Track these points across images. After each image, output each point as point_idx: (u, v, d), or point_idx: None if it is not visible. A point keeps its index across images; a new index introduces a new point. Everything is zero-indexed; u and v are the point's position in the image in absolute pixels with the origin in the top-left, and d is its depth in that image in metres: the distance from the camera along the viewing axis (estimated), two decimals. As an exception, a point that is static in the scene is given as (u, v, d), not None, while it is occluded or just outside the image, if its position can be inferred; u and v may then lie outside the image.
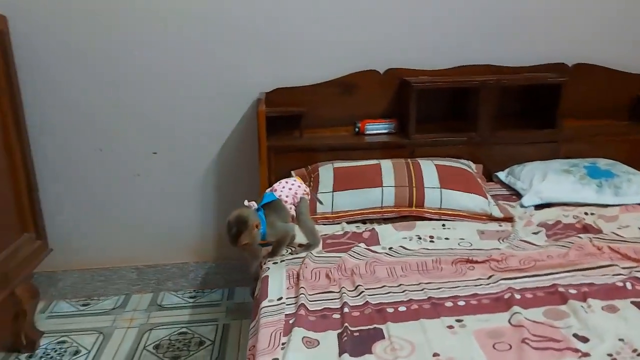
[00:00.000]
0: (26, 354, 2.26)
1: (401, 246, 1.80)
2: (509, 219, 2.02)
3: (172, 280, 2.76)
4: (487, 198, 2.08)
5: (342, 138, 2.48)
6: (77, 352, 2.27)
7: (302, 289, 1.52)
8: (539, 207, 2.10)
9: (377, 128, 2.50)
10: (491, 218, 2.02)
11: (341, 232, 1.94)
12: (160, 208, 2.65)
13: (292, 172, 2.36)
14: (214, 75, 2.48)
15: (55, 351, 2.28)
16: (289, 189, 1.80)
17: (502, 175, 2.41)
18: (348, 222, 2.03)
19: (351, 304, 1.46)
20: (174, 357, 2.22)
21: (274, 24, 2.44)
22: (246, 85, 2.47)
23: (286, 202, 1.78)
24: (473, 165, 2.38)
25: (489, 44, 2.51)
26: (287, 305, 1.47)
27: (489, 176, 2.48)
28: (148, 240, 2.69)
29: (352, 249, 1.77)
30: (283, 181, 1.86)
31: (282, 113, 2.44)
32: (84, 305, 2.65)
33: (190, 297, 2.69)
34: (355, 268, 1.65)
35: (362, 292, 1.51)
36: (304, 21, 2.45)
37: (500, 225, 1.99)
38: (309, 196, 1.87)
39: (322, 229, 1.98)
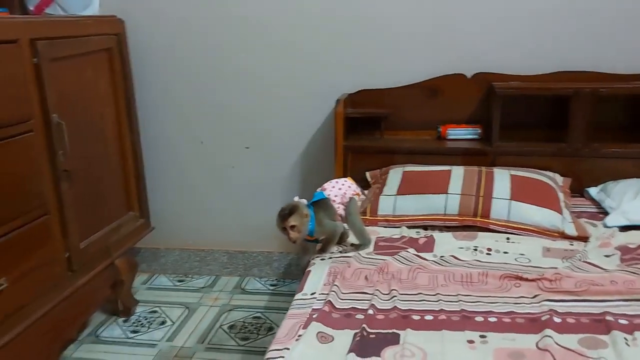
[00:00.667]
0: (122, 319, 2.55)
1: (453, 255, 1.76)
2: (584, 238, 1.86)
3: (257, 267, 2.93)
4: (561, 214, 1.94)
5: (422, 142, 2.45)
6: (163, 322, 2.51)
7: (334, 286, 1.55)
8: (625, 228, 1.91)
9: (459, 133, 2.43)
10: (563, 235, 1.88)
11: (398, 236, 1.93)
12: (250, 198, 2.83)
13: (367, 174, 2.39)
14: (302, 76, 2.59)
15: (146, 319, 2.55)
16: (339, 189, 1.85)
17: (593, 191, 2.22)
18: (409, 227, 2.01)
19: (379, 307, 1.47)
20: (243, 338, 2.38)
21: (362, 27, 2.49)
22: (333, 87, 2.54)
23: (334, 201, 1.82)
24: (559, 179, 2.22)
25: (589, 49, 2.33)
26: (317, 300, 1.52)
27: (581, 191, 2.30)
28: (239, 227, 2.88)
29: (399, 254, 1.76)
30: (333, 181, 1.90)
31: (364, 114, 2.48)
32: (179, 281, 2.91)
33: (272, 285, 2.84)
34: (396, 272, 1.65)
35: (394, 296, 1.51)
36: (391, 24, 2.46)
37: (571, 244, 1.85)
38: (360, 196, 1.89)
39: (381, 231, 1.99)
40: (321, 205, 1.80)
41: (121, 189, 2.53)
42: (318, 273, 1.67)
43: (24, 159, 1.86)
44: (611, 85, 2.22)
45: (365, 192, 1.95)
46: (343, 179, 1.92)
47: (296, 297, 1.54)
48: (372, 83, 2.51)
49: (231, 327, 2.46)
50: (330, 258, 1.79)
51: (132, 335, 2.42)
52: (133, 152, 2.59)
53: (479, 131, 2.41)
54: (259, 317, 2.53)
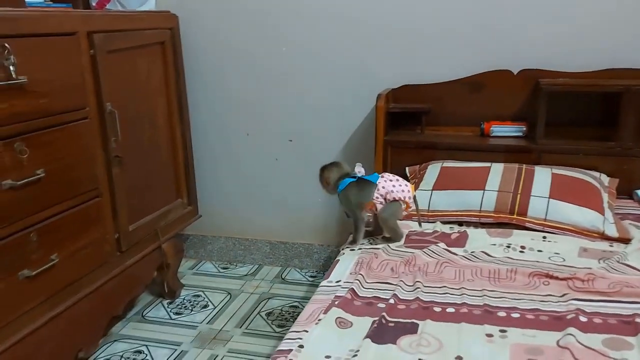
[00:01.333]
0: (168, 301, 2.66)
1: (484, 251, 1.74)
2: (625, 240, 1.79)
3: (298, 258, 2.98)
4: (603, 214, 1.87)
5: (464, 138, 2.42)
6: (205, 306, 2.61)
7: (359, 275, 1.58)
8: (673, 233, 1.82)
9: (503, 130, 2.38)
10: (603, 236, 1.82)
11: (431, 231, 1.93)
12: (292, 191, 2.88)
13: (407, 169, 2.38)
14: (345, 71, 2.61)
15: (190, 302, 2.65)
16: (391, 184, 1.84)
17: (642, 193, 2.13)
18: (443, 222, 2.00)
19: (401, 297, 1.48)
20: (280, 325, 2.43)
21: (407, 21, 2.48)
22: (375, 81, 2.54)
23: (378, 190, 1.83)
24: (606, 179, 2.14)
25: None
26: (341, 288, 1.54)
27: (630, 193, 2.20)
28: (281, 218, 2.94)
29: (429, 247, 1.76)
30: (395, 177, 1.88)
31: (405, 109, 2.48)
32: (224, 268, 3.01)
33: (311, 276, 2.88)
34: (423, 265, 1.65)
35: (418, 288, 1.52)
36: (436, 18, 2.45)
37: (610, 245, 1.78)
38: (407, 207, 1.86)
39: (414, 226, 1.99)
40: (363, 184, 1.82)
41: (171, 176, 2.65)
42: (346, 262, 1.70)
43: (79, 144, 1.98)
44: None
45: (413, 206, 1.89)
46: (405, 182, 1.87)
47: (322, 284, 1.57)
48: (415, 79, 2.51)
49: (269, 314, 2.52)
50: (360, 249, 1.81)
51: (175, 316, 2.53)
52: (183, 142, 2.69)
53: (524, 129, 2.36)
54: (296, 307, 2.58)
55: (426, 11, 2.45)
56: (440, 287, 1.53)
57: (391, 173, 2.05)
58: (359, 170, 1.87)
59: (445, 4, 2.42)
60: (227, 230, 3.04)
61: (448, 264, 1.65)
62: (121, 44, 2.22)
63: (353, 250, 1.81)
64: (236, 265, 3.02)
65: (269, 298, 2.67)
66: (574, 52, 2.31)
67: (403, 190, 1.86)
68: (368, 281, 1.57)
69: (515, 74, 2.36)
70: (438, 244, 1.78)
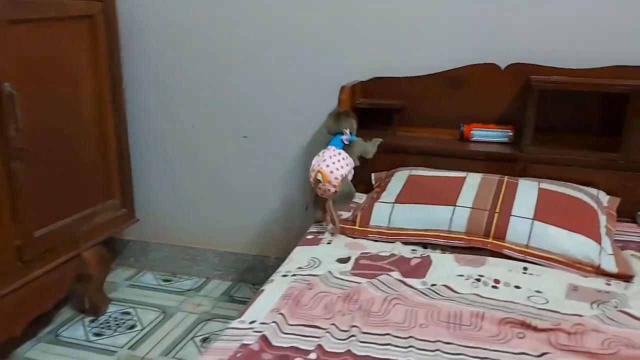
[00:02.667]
0: (90, 318, 2.31)
1: (447, 285, 1.39)
2: (626, 277, 1.44)
3: (251, 272, 2.63)
4: (599, 243, 1.52)
5: (440, 142, 2.08)
6: (132, 327, 2.25)
7: (279, 315, 1.22)
8: (684, 268, 1.47)
9: (486, 135, 2.04)
10: (598, 271, 1.47)
11: (387, 254, 1.58)
12: (246, 193, 2.54)
13: (372, 175, 2.04)
14: (310, 59, 2.27)
15: (115, 321, 2.30)
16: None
17: (648, 216, 1.78)
18: (404, 243, 1.65)
19: (327, 349, 1.12)
20: (214, 354, 2.07)
21: (381, 5, 2.14)
22: (344, 72, 2.20)
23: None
24: (604, 198, 1.80)
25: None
26: (253, 332, 1.19)
27: (632, 215, 1.85)
28: (233, 225, 2.60)
29: (379, 277, 1.41)
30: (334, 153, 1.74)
31: (374, 105, 2.14)
32: (165, 280, 2.66)
33: (262, 294, 2.52)
34: (367, 302, 1.29)
35: (353, 336, 1.16)
36: (413, 2, 2.10)
37: (608, 284, 1.43)
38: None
39: (369, 246, 1.64)
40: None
41: (99, 174, 2.29)
42: (271, 294, 1.34)
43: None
44: (681, 84, 1.77)
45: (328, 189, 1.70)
46: (336, 161, 1.73)
47: (231, 324, 1.22)
48: (388, 71, 2.16)
49: (204, 339, 2.17)
50: (294, 275, 1.45)
51: (94, 338, 2.18)
52: (116, 134, 2.34)
53: (510, 134, 2.02)
54: (238, 331, 2.22)
55: (402, -7, 2.10)
56: (382, 336, 1.17)
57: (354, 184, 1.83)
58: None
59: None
60: (171, 237, 2.69)
61: (399, 302, 1.30)
62: (30, 13, 1.88)
63: (285, 276, 1.45)
64: (180, 278, 2.67)
65: (210, 319, 2.32)
66: (572, 45, 1.97)
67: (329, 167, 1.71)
68: (290, 323, 1.21)
69: (502, 69, 2.02)
70: (391, 273, 1.42)
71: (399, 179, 1.83)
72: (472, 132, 2.04)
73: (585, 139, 1.95)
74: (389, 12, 2.13)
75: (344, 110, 1.89)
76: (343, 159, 1.74)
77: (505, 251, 1.54)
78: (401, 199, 1.72)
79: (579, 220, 1.58)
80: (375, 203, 1.74)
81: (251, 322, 1.22)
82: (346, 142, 1.79)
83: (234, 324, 1.22)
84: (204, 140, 2.50)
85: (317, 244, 1.64)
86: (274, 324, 1.19)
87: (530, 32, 2.00)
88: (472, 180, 1.74)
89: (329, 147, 1.77)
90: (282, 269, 1.49)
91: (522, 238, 1.54)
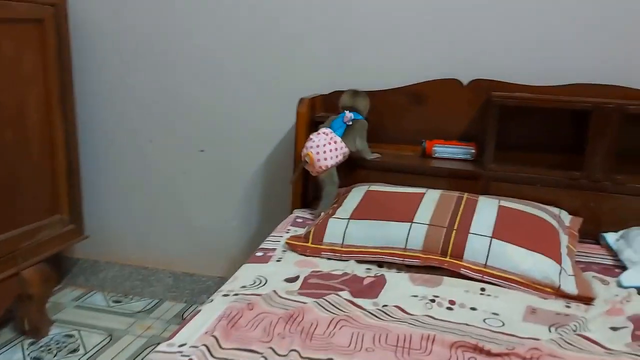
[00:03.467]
0: (30, 340, 2.16)
1: (399, 306, 1.30)
2: (586, 300, 1.37)
3: (207, 294, 2.50)
4: (560, 263, 1.45)
5: (403, 158, 2.01)
6: (75, 351, 2.11)
7: (212, 338, 1.11)
8: (646, 291, 1.41)
9: (447, 151, 1.99)
10: (558, 293, 1.40)
11: (340, 272, 1.48)
12: (203, 212, 2.44)
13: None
14: (271, 71, 2.21)
15: (57, 344, 2.15)
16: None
17: (611, 237, 1.72)
18: (359, 262, 1.56)
19: (261, 375, 1.02)
20: (159, 381, 1.94)
21: (342, 17, 2.09)
22: (305, 85, 2.14)
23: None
24: (567, 217, 1.74)
25: (616, 60, 1.87)
26: (182, 356, 1.08)
27: (595, 236, 1.80)
28: (189, 245, 2.49)
29: (327, 296, 1.31)
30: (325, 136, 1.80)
31: (335, 120, 2.05)
32: (116, 301, 2.51)
33: (217, 317, 2.40)
34: (312, 324, 1.19)
35: (291, 361, 1.06)
36: (376, 15, 2.06)
37: (567, 306, 1.36)
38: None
39: (322, 265, 1.55)
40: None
41: (45, 187, 2.17)
42: (207, 315, 1.24)
43: None
44: (644, 103, 1.74)
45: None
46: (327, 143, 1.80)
47: (159, 348, 1.11)
48: (350, 85, 2.09)
49: (150, 364, 2.02)
50: (236, 295, 1.35)
51: (30, 363, 2.02)
52: (65, 145, 2.23)
53: (472, 151, 1.96)
54: (188, 355, 2.09)
55: (364, 6, 2.05)
56: (323, 360, 1.07)
57: (313, 199, 1.86)
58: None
59: (386, 0, 2.03)
60: (123, 256, 2.56)
61: (346, 323, 1.20)
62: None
63: (227, 295, 1.35)
64: (132, 299, 2.53)
65: (159, 343, 2.17)
66: (535, 62, 1.95)
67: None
68: (224, 346, 1.11)
69: (464, 84, 1.97)
70: (340, 293, 1.33)
71: (356, 194, 1.75)
72: (434, 148, 1.98)
73: (549, 157, 1.91)
74: (350, 26, 2.08)
75: (362, 91, 1.89)
76: (335, 149, 1.78)
77: (463, 271, 1.46)
78: (357, 214, 1.64)
79: (539, 239, 1.51)
80: (330, 219, 1.65)
81: (181, 346, 1.12)
82: (348, 123, 1.80)
83: (162, 347, 1.11)
84: (159, 153, 2.40)
85: (267, 262, 1.55)
86: (204, 347, 1.08)
87: (493, 49, 1.97)
88: (431, 197, 1.67)
89: (326, 130, 1.81)
90: (225, 287, 1.39)
91: (480, 257, 1.47)
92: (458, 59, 2.00)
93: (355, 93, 1.89)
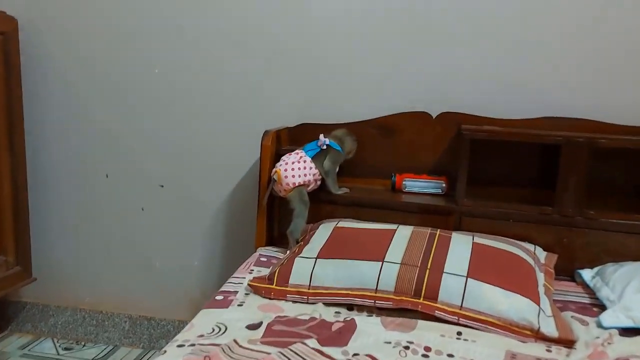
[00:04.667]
0: (-35, 395, 1.96)
1: (370, 355, 1.20)
2: (568, 342, 1.30)
3: (166, 339, 2.35)
4: (538, 304, 1.39)
5: (372, 192, 1.95)
6: (15, 406, 1.92)
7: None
8: (628, 332, 1.35)
9: (418, 185, 1.93)
10: (538, 335, 1.32)
11: (307, 317, 1.38)
12: (163, 251, 2.31)
13: (291, 241, 1.84)
14: (236, 102, 2.13)
15: (-4, 399, 1.96)
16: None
17: (587, 274, 1.67)
18: (327, 304, 1.46)
19: None
20: None
21: (311, 49, 2.04)
22: (271, 118, 2.08)
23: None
24: (542, 254, 1.69)
25: (587, 93, 1.86)
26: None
27: (570, 273, 1.74)
28: (147, 286, 2.35)
29: (293, 346, 1.20)
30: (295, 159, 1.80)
31: (301, 153, 1.97)
32: (67, 349, 2.34)
33: (176, 364, 2.24)
34: (275, 377, 1.08)
35: (252, 421, 0.94)
36: (345, 48, 2.02)
37: (548, 350, 1.29)
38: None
39: (287, 309, 1.45)
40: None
41: (-12, 226, 2.01)
42: (159, 368, 1.11)
43: None
44: (614, 137, 1.72)
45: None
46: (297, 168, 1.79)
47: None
48: (318, 117, 2.03)
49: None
50: (192, 345, 1.23)
51: (-35, 422, 1.83)
52: (12, 180, 2.10)
53: (443, 185, 1.91)
54: (143, 409, 1.94)
55: (333, 38, 2.02)
56: (287, 420, 0.96)
57: (279, 236, 1.85)
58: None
59: (356, 32, 1.99)
60: (75, 300, 2.41)
61: (313, 376, 1.10)
62: None
63: (182, 346, 1.22)
64: (84, 345, 2.36)
65: (111, 395, 2.02)
66: (505, 96, 1.92)
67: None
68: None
69: (434, 117, 1.93)
70: (307, 341, 1.22)
71: (323, 231, 1.67)
72: (404, 182, 1.93)
73: (520, 192, 1.87)
74: (318, 57, 2.04)
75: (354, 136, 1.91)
76: (305, 168, 1.77)
77: (438, 313, 1.38)
78: (324, 253, 1.55)
79: (515, 278, 1.45)
80: (296, 258, 1.56)
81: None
82: (322, 147, 1.81)
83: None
84: (116, 189, 2.28)
85: (227, 306, 1.43)
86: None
87: (461, 81, 1.95)
88: (403, 233, 1.59)
89: (298, 150, 1.82)
90: (180, 337, 1.26)
91: (456, 298, 1.39)
92: (427, 92, 1.96)
93: (348, 132, 1.90)
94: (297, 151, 1.82)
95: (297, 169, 1.75)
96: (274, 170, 1.78)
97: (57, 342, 2.39)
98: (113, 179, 2.28)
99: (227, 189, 2.20)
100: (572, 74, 1.87)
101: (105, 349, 2.35)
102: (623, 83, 1.83)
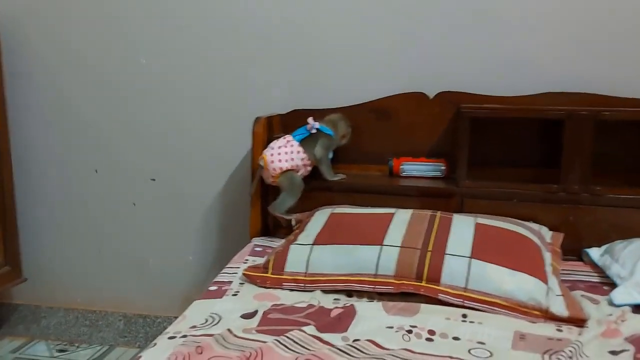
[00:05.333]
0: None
1: (372, 340, 1.14)
2: (579, 322, 1.24)
3: (162, 337, 2.29)
4: (546, 283, 1.33)
5: (369, 178, 1.89)
6: (9, 410, 1.86)
7: (150, 388, 0.93)
8: (639, 309, 1.29)
9: (417, 169, 1.87)
10: (547, 315, 1.27)
11: (305, 305, 1.32)
12: (156, 246, 2.25)
13: (292, 218, 1.79)
14: (227, 91, 2.07)
15: (-13, 403, 1.89)
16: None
17: (594, 253, 1.61)
18: (325, 292, 1.40)
19: None
20: None
21: (297, 32, 1.98)
22: (261, 106, 2.01)
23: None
24: (547, 233, 1.63)
25: (589, 67, 1.80)
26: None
27: (578, 252, 1.69)
28: (141, 283, 2.29)
29: (290, 333, 1.15)
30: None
31: (295, 140, 1.92)
32: (61, 350, 2.28)
33: (174, 362, 2.18)
34: (272, 365, 1.02)
35: (247, 411, 0.88)
36: (336, 27, 1.95)
37: (559, 330, 1.23)
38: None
39: (284, 297, 1.39)
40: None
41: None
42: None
43: None
44: (618, 109, 1.66)
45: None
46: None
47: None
48: (309, 102, 1.96)
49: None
50: (185, 337, 1.17)
51: None
52: (-1, 179, 2.02)
53: (443, 167, 1.85)
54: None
55: (325, 19, 1.96)
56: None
57: (274, 227, 1.82)
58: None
59: (348, 11, 1.93)
60: (68, 300, 2.35)
61: (312, 363, 1.04)
62: None
63: (173, 338, 1.16)
64: (78, 347, 2.30)
65: (107, 396, 1.96)
66: (503, 73, 1.86)
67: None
68: (165, 398, 0.92)
69: (431, 98, 1.87)
70: (304, 328, 1.17)
71: (319, 218, 1.61)
72: (401, 166, 1.87)
73: (523, 171, 1.80)
74: (309, 40, 1.98)
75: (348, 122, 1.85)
76: (292, 152, 1.72)
77: (441, 296, 1.32)
78: (321, 239, 1.49)
79: (521, 257, 1.39)
80: (291, 246, 1.50)
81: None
82: (311, 131, 1.75)
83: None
84: (105, 184, 2.22)
85: (221, 297, 1.38)
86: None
87: (458, 59, 1.89)
88: (401, 217, 1.54)
89: (286, 135, 1.77)
90: (171, 329, 1.20)
91: (460, 280, 1.33)
92: (423, 71, 1.90)
93: (342, 117, 1.85)
94: (284, 136, 1.77)
95: (284, 154, 1.71)
96: (260, 156, 1.74)
97: (50, 344, 2.33)
98: (102, 174, 2.22)
99: (220, 180, 2.15)
100: (572, 47, 1.81)
101: (100, 349, 2.29)
102: (625, 55, 1.77)
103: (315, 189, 1.83)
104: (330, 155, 1.83)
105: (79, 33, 2.12)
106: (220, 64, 2.05)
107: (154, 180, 2.19)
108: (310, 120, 1.77)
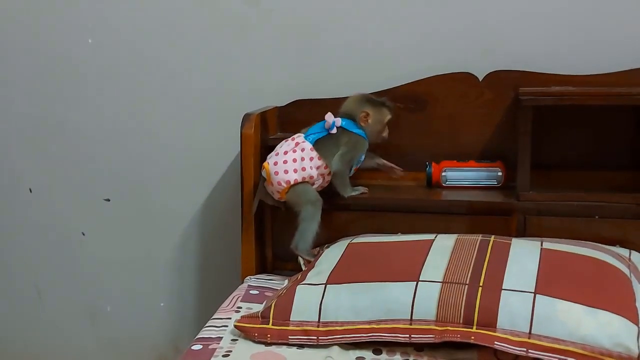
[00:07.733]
0: None
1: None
2: (680, 378, 1.36)
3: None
4: (637, 324, 1.44)
5: (399, 191, 2.02)
6: None
7: None
8: None
9: (463, 177, 2.02)
10: (638, 367, 1.38)
11: (317, 366, 1.45)
12: (114, 288, 2.42)
13: (300, 259, 1.90)
14: (204, 80, 2.24)
15: None
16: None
17: None
18: (344, 346, 1.53)
19: None
20: None
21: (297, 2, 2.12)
22: (252, 99, 2.14)
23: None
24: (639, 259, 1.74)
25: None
26: None
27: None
28: (94, 338, 2.46)
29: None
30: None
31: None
32: None
33: None
34: None
35: None
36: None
37: (654, 388, 1.34)
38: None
39: (289, 356, 1.51)
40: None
41: None
42: None
43: None
44: None
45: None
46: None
47: None
48: (315, 91, 2.09)
49: None
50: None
51: None
52: None
53: (499, 173, 1.99)
54: None
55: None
56: None
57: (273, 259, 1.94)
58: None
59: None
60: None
61: None
62: None
63: None
64: None
65: None
66: (576, 44, 1.99)
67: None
68: None
69: (480, 80, 2.01)
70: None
71: (334, 250, 1.75)
72: (444, 174, 2.00)
73: (609, 176, 1.93)
74: (314, 11, 2.10)
75: (384, 98, 1.90)
76: (301, 159, 1.78)
77: (498, 345, 1.44)
78: (336, 277, 1.61)
79: (603, 291, 1.50)
80: (298, 286, 1.62)
81: None
82: (331, 131, 1.80)
83: None
84: (43, 209, 2.39)
85: (208, 359, 1.49)
86: None
87: (516, 27, 2.01)
88: (443, 244, 1.66)
89: (296, 135, 1.85)
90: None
91: (522, 323, 1.44)
92: (469, 46, 2.03)
93: (365, 99, 1.89)
94: (294, 136, 1.86)
95: (292, 161, 1.79)
96: (263, 165, 1.83)
97: None
98: (39, 194, 2.36)
99: (199, 198, 2.30)
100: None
101: None
102: None
103: (324, 210, 1.92)
104: (362, 157, 1.91)
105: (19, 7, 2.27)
106: (195, 44, 2.20)
107: (108, 200, 2.34)
108: (328, 116, 1.85)
